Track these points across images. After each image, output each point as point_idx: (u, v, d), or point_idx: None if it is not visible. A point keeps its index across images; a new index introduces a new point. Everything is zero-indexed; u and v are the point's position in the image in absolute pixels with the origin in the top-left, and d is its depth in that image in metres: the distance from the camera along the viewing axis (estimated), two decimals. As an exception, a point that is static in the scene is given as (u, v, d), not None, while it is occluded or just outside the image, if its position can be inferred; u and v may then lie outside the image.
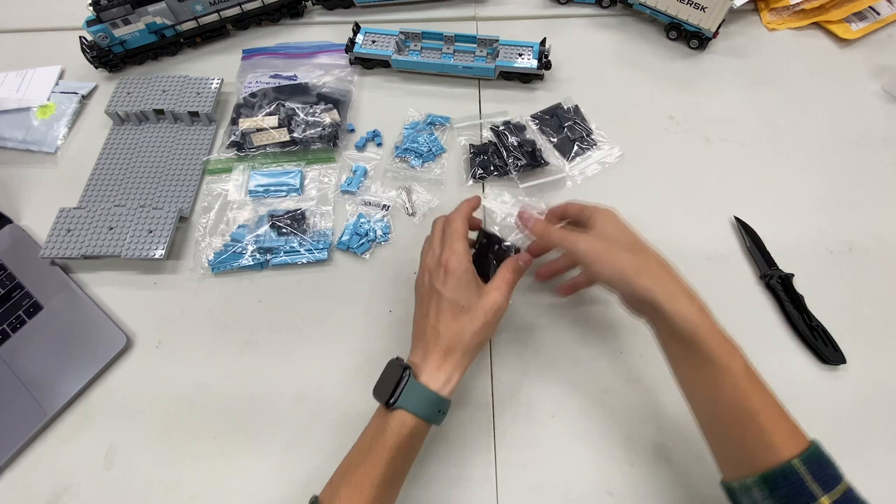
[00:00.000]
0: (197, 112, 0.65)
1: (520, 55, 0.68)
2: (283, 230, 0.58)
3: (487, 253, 0.49)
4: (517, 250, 0.49)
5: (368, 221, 0.59)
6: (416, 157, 0.63)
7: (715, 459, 0.39)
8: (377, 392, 0.41)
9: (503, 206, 0.59)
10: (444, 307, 0.42)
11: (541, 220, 0.47)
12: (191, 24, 0.72)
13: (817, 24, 0.76)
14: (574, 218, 0.47)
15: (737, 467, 0.36)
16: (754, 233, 0.57)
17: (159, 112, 0.66)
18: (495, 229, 0.56)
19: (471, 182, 0.62)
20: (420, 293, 0.45)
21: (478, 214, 0.53)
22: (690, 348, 0.38)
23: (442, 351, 0.41)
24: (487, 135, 0.65)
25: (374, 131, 0.66)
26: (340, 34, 0.75)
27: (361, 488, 0.37)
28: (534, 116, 0.67)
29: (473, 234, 0.51)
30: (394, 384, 0.40)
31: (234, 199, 0.61)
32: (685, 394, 0.40)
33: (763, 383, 0.37)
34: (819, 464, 0.33)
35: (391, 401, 0.39)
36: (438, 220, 0.48)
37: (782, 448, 0.33)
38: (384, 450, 0.38)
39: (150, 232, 0.56)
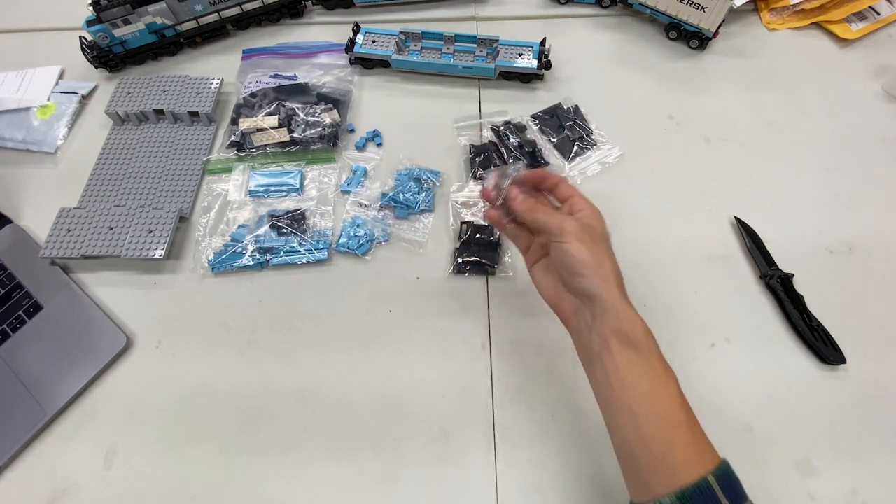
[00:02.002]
0: (197, 112, 0.65)
1: (520, 55, 0.68)
2: (283, 230, 0.58)
3: (471, 240, 0.56)
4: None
5: (365, 222, 0.59)
6: (402, 207, 0.59)
7: (630, 478, 0.37)
8: None
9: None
10: None
11: (525, 198, 0.43)
12: (191, 24, 0.72)
13: (817, 24, 0.76)
14: (557, 197, 0.44)
15: (655, 484, 0.34)
16: (754, 233, 0.57)
17: (159, 112, 0.66)
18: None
19: (471, 182, 0.62)
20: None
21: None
22: (632, 349, 0.37)
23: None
24: (487, 135, 0.65)
25: (374, 131, 0.66)
26: (340, 34, 0.75)
27: None
28: (534, 116, 0.67)
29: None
30: None
31: (234, 199, 0.61)
32: (611, 399, 0.37)
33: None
34: (729, 480, 0.33)
35: None
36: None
37: (699, 464, 0.33)
38: None
39: (150, 232, 0.56)
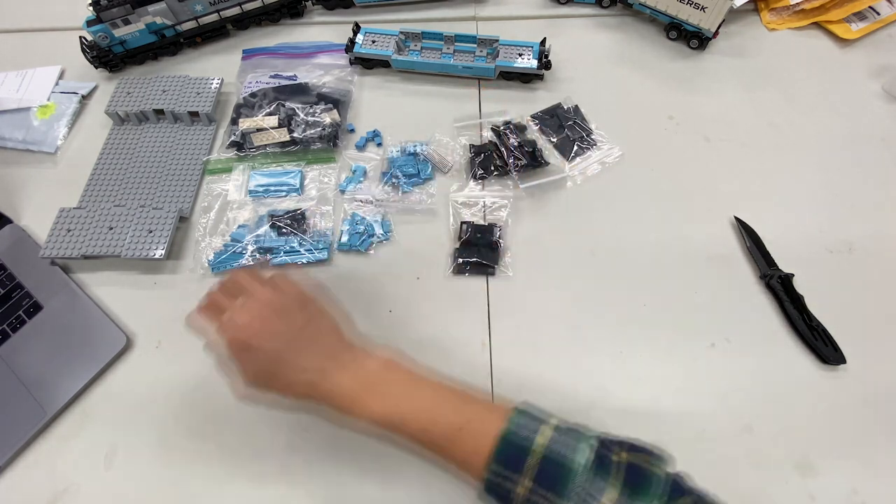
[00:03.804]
0: (197, 112, 0.65)
1: (520, 55, 0.68)
2: (283, 230, 0.58)
3: (471, 240, 0.57)
4: (499, 228, 0.57)
5: (364, 219, 0.59)
6: (405, 179, 0.61)
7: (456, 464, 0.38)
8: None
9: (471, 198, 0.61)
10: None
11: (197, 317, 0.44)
12: (191, 24, 0.72)
13: (817, 24, 0.76)
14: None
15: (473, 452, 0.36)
16: (754, 233, 0.57)
17: (159, 112, 0.66)
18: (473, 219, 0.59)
19: (472, 182, 0.62)
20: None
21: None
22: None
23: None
24: (488, 135, 0.65)
25: (374, 131, 0.66)
26: (340, 34, 0.75)
27: None
28: (534, 116, 0.67)
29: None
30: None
31: (234, 199, 0.61)
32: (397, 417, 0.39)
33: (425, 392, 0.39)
34: (508, 457, 0.34)
35: None
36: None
37: (477, 463, 0.34)
38: None
39: (150, 232, 0.56)
